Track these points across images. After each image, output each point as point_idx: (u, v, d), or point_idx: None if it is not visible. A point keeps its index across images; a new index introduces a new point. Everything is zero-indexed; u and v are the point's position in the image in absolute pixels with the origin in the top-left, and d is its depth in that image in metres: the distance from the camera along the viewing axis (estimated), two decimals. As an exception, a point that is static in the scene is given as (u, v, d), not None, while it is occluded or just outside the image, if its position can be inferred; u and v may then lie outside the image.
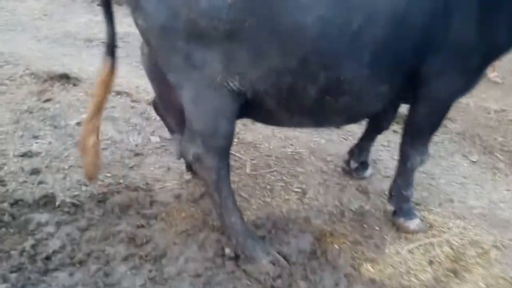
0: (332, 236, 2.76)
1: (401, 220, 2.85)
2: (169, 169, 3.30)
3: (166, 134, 3.40)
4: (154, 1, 1.98)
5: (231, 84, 2.12)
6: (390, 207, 2.97)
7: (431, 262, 2.63)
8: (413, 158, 2.71)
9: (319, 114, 2.39)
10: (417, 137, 2.67)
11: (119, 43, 2.53)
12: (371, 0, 2.01)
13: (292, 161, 3.56)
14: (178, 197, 2.99)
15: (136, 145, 3.56)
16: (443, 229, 2.91)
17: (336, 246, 2.66)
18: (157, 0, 1.98)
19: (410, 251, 2.71)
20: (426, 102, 2.46)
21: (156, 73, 2.49)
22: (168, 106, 2.72)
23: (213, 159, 2.29)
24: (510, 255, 2.73)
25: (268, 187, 3.20)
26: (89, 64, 5.02)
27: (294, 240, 2.62)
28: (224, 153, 2.34)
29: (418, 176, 3.30)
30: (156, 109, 3.00)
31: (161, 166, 3.33)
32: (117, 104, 4.10)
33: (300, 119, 2.45)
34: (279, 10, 1.93)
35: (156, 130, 3.77)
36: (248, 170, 3.37)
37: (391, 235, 2.83)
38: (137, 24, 2.13)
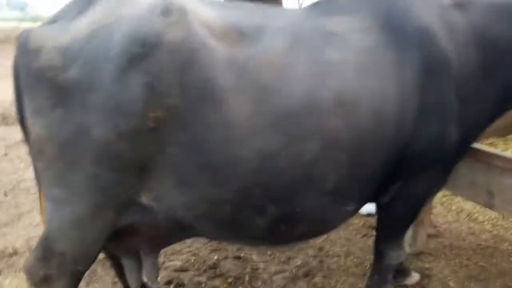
0: None
1: None
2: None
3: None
4: None
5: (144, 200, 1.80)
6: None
7: None
8: (389, 255, 2.54)
9: (272, 240, 2.21)
10: (392, 235, 2.49)
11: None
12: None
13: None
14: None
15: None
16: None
17: None
18: None
19: None
20: (402, 201, 2.28)
21: None
22: None
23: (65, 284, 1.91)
24: None
25: None
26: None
27: None
28: (80, 277, 1.99)
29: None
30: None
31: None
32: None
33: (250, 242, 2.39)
34: (207, 141, 1.69)
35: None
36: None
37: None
38: None
